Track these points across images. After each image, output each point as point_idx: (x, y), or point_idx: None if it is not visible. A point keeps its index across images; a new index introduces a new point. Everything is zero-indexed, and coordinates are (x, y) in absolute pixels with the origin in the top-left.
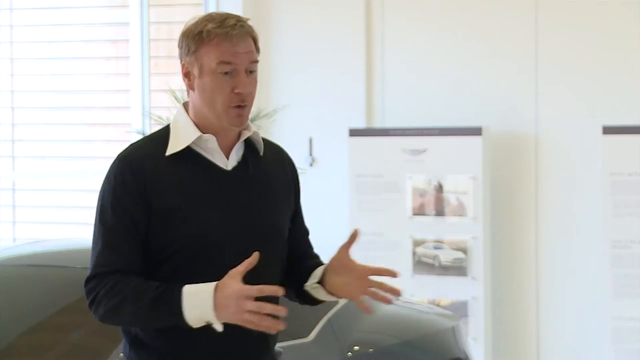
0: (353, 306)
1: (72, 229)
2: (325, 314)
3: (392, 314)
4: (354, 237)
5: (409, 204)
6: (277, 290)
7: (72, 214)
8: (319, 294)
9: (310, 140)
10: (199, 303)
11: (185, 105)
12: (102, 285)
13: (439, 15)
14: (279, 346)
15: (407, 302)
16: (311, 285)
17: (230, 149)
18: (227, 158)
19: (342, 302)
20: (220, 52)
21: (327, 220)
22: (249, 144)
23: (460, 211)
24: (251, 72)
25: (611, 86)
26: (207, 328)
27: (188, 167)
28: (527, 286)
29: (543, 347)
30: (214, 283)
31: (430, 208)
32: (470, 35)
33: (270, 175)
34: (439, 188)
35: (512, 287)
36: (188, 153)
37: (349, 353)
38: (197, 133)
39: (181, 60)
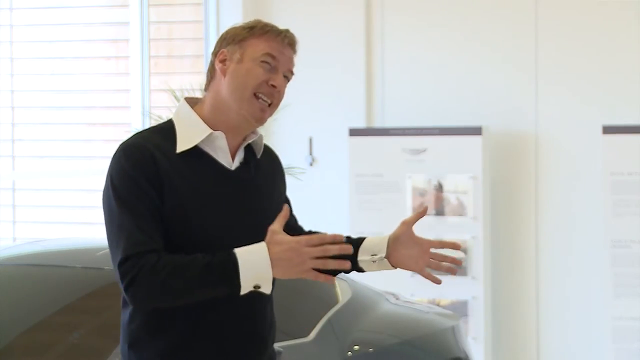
0: (353, 306)
1: (72, 228)
2: (325, 313)
3: (392, 314)
4: (422, 213)
5: (409, 203)
6: (337, 237)
7: (72, 213)
8: (372, 266)
9: (310, 140)
10: (255, 261)
11: (188, 100)
12: (140, 264)
13: (439, 16)
14: (279, 346)
15: (407, 302)
16: (371, 259)
17: (235, 149)
18: (233, 158)
19: (342, 302)
20: (269, 45)
21: (327, 220)
22: (247, 145)
23: (460, 211)
24: (285, 77)
25: (611, 86)
26: (206, 326)
27: (196, 165)
28: (527, 286)
29: (543, 346)
30: (262, 242)
31: (430, 208)
32: (470, 35)
33: (267, 176)
34: (439, 188)
35: (512, 287)
36: (195, 151)
37: (349, 353)
38: (208, 130)
39: (218, 50)
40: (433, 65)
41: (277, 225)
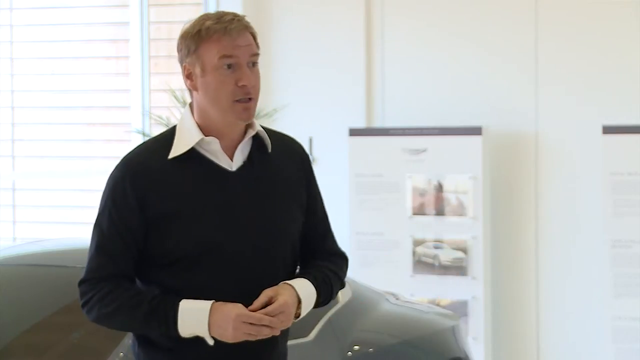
0: (353, 306)
1: (72, 228)
2: (325, 313)
3: (392, 314)
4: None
5: (409, 203)
6: (280, 308)
7: (72, 213)
8: None
9: (311, 140)
10: (194, 322)
11: (191, 106)
12: (95, 290)
13: (439, 16)
14: None
15: (407, 302)
16: None
17: (234, 149)
18: (232, 159)
19: (342, 302)
20: (221, 46)
21: None
22: (257, 140)
23: (460, 211)
24: (253, 64)
25: (611, 86)
26: None
27: (191, 169)
28: (527, 286)
29: (543, 346)
30: (210, 303)
31: (430, 208)
32: (470, 36)
33: (277, 172)
34: (439, 188)
35: (512, 287)
36: (192, 155)
37: (349, 353)
38: (200, 135)
39: (181, 63)
40: (433, 65)
41: (247, 310)
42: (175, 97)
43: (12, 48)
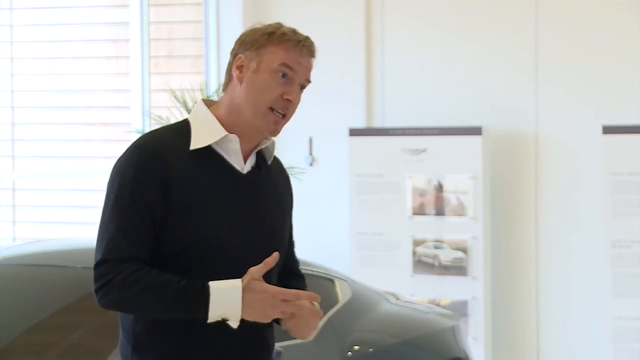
0: (353, 306)
1: (72, 228)
2: (325, 313)
3: (392, 314)
4: None
5: (409, 203)
6: (314, 297)
7: (72, 213)
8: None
9: (310, 140)
10: (227, 301)
11: (205, 102)
12: (116, 272)
13: (439, 16)
14: (279, 346)
15: (407, 302)
16: None
17: (248, 153)
18: (245, 161)
19: (342, 302)
20: (287, 55)
21: (327, 220)
22: (258, 151)
23: (460, 211)
24: (302, 88)
25: (611, 86)
26: (210, 328)
27: (209, 165)
28: (527, 286)
29: (543, 346)
30: (239, 282)
31: (430, 208)
32: (470, 36)
33: (277, 184)
34: (439, 188)
35: (512, 287)
36: (208, 151)
37: (349, 353)
38: (223, 132)
39: (236, 53)
40: (433, 66)
41: (256, 272)
42: (175, 97)
43: (12, 48)
